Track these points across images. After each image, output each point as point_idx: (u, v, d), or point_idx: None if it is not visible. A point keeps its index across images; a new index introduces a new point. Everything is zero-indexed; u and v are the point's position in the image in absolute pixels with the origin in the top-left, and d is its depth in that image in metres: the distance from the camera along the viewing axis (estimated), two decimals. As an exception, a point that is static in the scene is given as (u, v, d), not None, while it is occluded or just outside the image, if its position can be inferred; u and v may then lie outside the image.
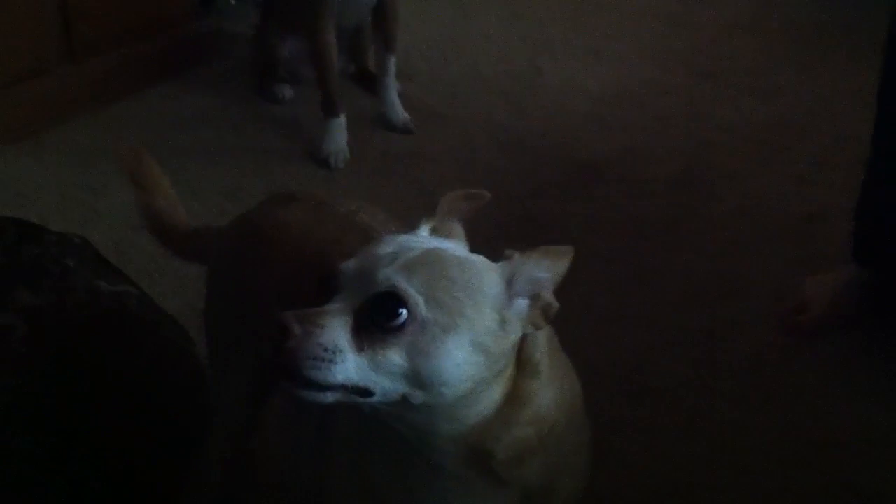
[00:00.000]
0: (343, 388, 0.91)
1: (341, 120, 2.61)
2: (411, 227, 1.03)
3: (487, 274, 0.96)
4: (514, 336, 0.96)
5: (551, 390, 1.02)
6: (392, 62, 2.72)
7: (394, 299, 0.91)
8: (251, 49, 2.95)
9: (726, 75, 3.11)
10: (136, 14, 2.81)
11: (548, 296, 0.96)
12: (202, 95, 2.86)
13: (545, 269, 0.97)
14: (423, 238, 1.00)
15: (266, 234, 1.34)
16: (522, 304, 0.96)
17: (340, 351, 0.91)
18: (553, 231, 2.30)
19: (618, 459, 1.68)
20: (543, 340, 1.00)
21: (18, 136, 2.55)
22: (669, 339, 1.99)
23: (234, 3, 3.28)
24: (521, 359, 0.98)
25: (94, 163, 2.50)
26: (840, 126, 2.74)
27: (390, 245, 0.97)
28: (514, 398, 0.98)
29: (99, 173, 2.45)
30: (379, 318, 0.91)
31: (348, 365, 0.91)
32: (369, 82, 2.87)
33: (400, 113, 2.73)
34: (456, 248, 0.99)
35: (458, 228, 1.05)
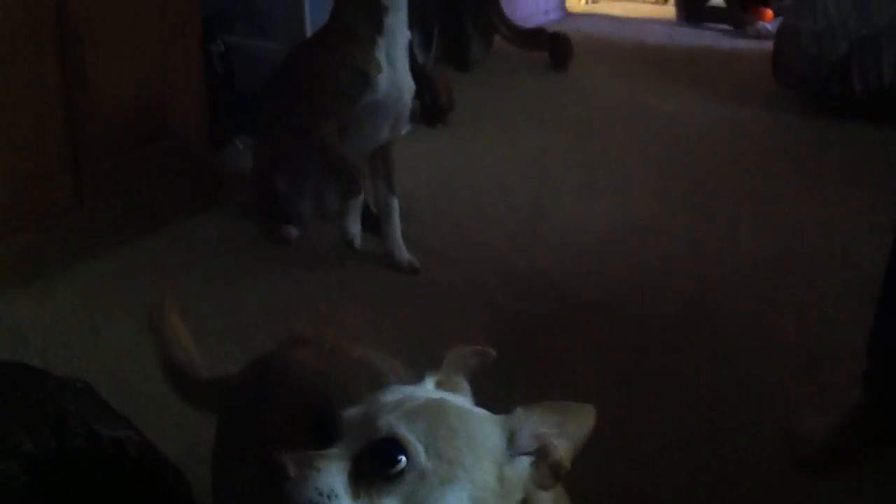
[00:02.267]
0: None
1: (361, 195, 2.67)
2: (417, 376, 1.03)
3: (488, 426, 0.95)
4: (515, 495, 0.93)
5: None
6: (395, 202, 2.77)
7: (394, 446, 0.90)
8: (251, 192, 3.00)
9: (726, 212, 3.15)
10: (147, 159, 2.88)
11: (556, 453, 0.94)
12: (209, 239, 2.90)
13: (552, 426, 0.95)
14: (427, 389, 1.00)
15: (279, 378, 1.34)
16: (525, 461, 0.94)
17: (336, 496, 0.89)
18: (556, 367, 2.28)
19: None
20: None
21: (25, 279, 2.57)
22: (674, 479, 1.95)
23: (242, 147, 3.35)
24: None
25: (98, 305, 2.51)
26: (841, 259, 2.76)
27: (394, 394, 0.96)
28: None
29: (103, 315, 2.45)
30: (378, 464, 0.90)
31: None
32: (372, 223, 2.91)
33: (404, 253, 2.75)
34: (459, 400, 0.99)
35: (464, 383, 1.04)
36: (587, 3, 6.46)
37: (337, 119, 2.64)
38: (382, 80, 2.61)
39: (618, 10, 6.35)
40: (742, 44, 5.47)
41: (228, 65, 3.47)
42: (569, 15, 6.12)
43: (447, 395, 0.98)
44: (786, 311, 2.55)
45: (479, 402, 1.01)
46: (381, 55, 2.60)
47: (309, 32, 3.36)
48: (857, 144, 3.71)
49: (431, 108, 3.95)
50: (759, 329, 2.46)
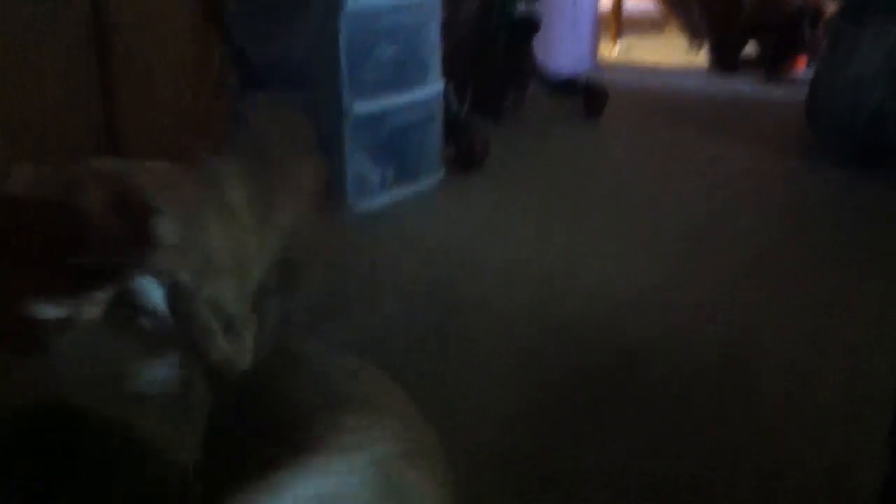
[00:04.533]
0: None
1: None
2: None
3: None
4: None
5: None
6: None
7: None
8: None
9: (762, 263, 3.14)
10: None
11: None
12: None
13: None
14: None
15: None
16: None
17: None
18: (591, 417, 2.27)
19: None
20: None
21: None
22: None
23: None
24: None
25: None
26: (883, 309, 2.74)
27: None
28: None
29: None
30: None
31: None
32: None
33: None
34: None
35: None
36: (619, 53, 6.50)
37: None
38: None
39: (649, 59, 6.39)
40: (775, 92, 5.48)
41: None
42: (601, 65, 6.17)
43: None
44: (825, 359, 2.52)
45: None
46: None
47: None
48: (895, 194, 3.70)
49: (466, 156, 3.98)
50: (798, 376, 2.44)
